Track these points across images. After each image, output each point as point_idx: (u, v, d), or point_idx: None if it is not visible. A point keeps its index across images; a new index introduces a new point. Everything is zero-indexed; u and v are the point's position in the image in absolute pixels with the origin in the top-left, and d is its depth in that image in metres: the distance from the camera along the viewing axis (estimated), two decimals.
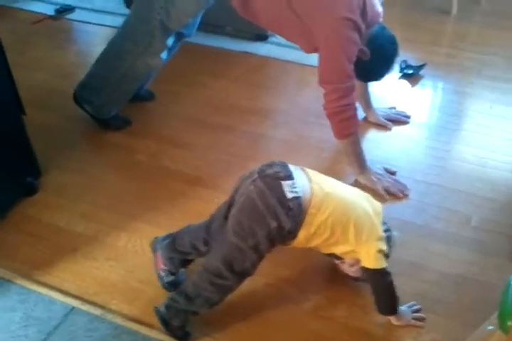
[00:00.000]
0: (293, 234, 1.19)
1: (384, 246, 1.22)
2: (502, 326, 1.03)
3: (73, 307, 1.31)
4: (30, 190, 1.65)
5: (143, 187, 1.72)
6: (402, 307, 1.29)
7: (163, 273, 1.35)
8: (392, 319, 1.28)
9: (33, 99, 1.99)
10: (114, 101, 1.92)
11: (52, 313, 1.30)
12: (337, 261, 1.33)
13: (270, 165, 1.21)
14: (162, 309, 1.21)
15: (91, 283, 1.39)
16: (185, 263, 1.35)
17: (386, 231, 1.28)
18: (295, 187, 1.16)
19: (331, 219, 1.19)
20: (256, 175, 1.19)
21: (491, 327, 1.11)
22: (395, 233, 1.32)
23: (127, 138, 1.92)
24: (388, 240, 1.27)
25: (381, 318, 1.29)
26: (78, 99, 1.91)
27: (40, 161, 1.70)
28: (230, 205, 1.24)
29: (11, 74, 1.51)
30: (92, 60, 1.90)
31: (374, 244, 1.21)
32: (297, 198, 1.15)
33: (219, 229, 1.24)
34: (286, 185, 1.16)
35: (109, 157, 1.87)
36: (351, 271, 1.31)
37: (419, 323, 1.28)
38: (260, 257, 1.19)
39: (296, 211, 1.15)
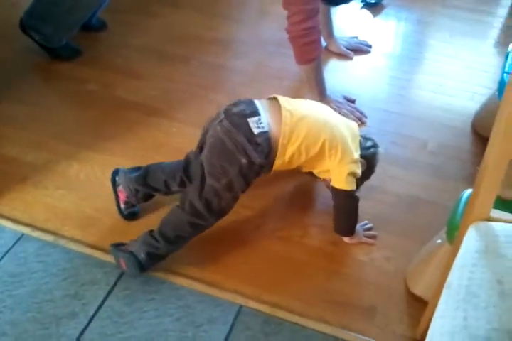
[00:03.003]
0: (266, 167, 1.20)
1: (357, 169, 1.22)
2: (449, 238, 1.06)
3: (23, 234, 1.29)
4: None
5: (96, 117, 1.66)
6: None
7: (123, 206, 1.33)
8: (345, 238, 1.30)
9: None
10: (64, 29, 1.83)
11: (1, 240, 1.28)
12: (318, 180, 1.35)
13: (236, 104, 1.20)
14: (142, 256, 1.17)
15: (42, 211, 1.36)
16: (148, 198, 1.33)
17: (371, 147, 1.30)
18: (261, 123, 1.16)
19: (304, 143, 1.18)
20: (222, 116, 1.18)
21: (439, 241, 1.15)
22: (380, 149, 1.33)
23: (78, 69, 1.84)
24: (374, 156, 1.30)
25: (335, 237, 1.31)
26: (25, 27, 1.81)
27: None
28: (201, 147, 1.23)
29: None
30: None
31: (347, 166, 1.21)
32: (264, 133, 1.15)
33: (195, 172, 1.22)
34: (251, 121, 1.16)
35: (60, 87, 1.79)
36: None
37: (370, 241, 1.31)
38: (235, 197, 1.20)
39: (264, 145, 1.15)
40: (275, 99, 1.24)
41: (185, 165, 1.27)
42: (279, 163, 1.20)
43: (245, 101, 1.21)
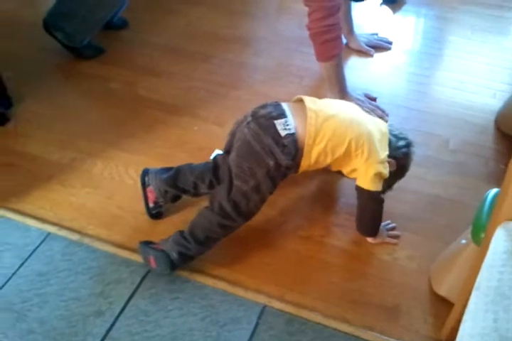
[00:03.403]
0: (292, 169, 1.20)
1: (384, 170, 1.21)
2: (475, 238, 1.05)
3: (49, 233, 1.31)
4: (2, 120, 1.61)
5: (118, 116, 1.67)
6: None
7: (152, 205, 1.34)
8: (369, 238, 1.30)
9: (1, 31, 1.92)
10: (87, 29, 1.84)
11: (28, 239, 1.29)
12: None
13: (263, 107, 1.22)
14: (174, 256, 1.18)
15: (68, 209, 1.37)
16: (176, 198, 1.34)
17: (404, 147, 1.28)
18: (288, 125, 1.16)
19: (330, 144, 1.18)
20: (250, 118, 1.19)
21: (464, 241, 1.14)
22: (414, 149, 1.31)
23: (101, 67, 1.86)
24: (405, 156, 1.29)
25: (357, 237, 1.31)
26: (49, 26, 1.82)
27: (12, 92, 1.65)
28: (228, 150, 1.25)
29: None
30: None
31: (373, 166, 1.20)
32: (291, 135, 1.16)
33: (224, 175, 1.23)
34: (278, 123, 1.16)
35: (83, 86, 1.81)
36: None
37: (394, 241, 1.30)
38: (263, 199, 1.20)
39: (291, 147, 1.16)
40: (301, 100, 1.24)
41: (214, 167, 1.27)
42: (305, 164, 1.21)
43: (272, 103, 1.22)
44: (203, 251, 1.22)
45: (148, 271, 1.23)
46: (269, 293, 1.20)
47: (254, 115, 1.19)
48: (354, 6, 1.92)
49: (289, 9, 2.20)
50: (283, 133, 1.15)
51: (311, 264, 1.27)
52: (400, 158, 1.27)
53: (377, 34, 2.05)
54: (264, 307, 1.17)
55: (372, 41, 1.99)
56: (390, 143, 1.25)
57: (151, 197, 1.33)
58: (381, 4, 2.22)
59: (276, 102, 1.23)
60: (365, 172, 1.21)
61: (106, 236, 1.31)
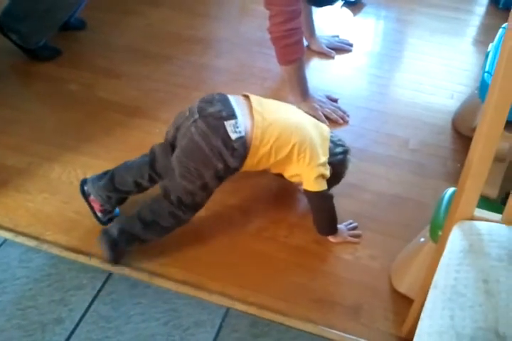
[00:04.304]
0: (238, 169, 1.19)
1: (325, 171, 1.23)
2: (433, 236, 1.07)
3: (6, 240, 1.27)
4: None
5: (77, 119, 1.64)
6: (340, 226, 1.31)
7: (100, 214, 1.30)
8: (330, 237, 1.31)
9: None
10: (43, 30, 1.80)
11: None
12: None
13: (210, 102, 1.17)
14: (113, 231, 1.18)
15: (24, 215, 1.34)
16: (122, 201, 1.31)
17: (340, 154, 1.29)
18: (237, 127, 1.14)
19: (275, 146, 1.18)
20: (197, 115, 1.15)
21: (422, 239, 1.16)
22: (350, 157, 1.33)
23: (58, 69, 1.82)
24: (340, 163, 1.29)
25: (319, 236, 1.32)
26: (3, 27, 1.77)
27: None
28: (171, 143, 1.21)
29: None
30: None
31: (315, 169, 1.21)
32: (241, 138, 1.14)
33: (164, 169, 1.22)
34: (229, 124, 1.13)
35: (39, 88, 1.76)
36: None
37: (355, 240, 1.31)
38: (209, 193, 1.20)
39: (241, 150, 1.15)
40: (247, 96, 1.24)
41: (151, 161, 1.24)
42: (249, 164, 1.20)
43: (220, 98, 1.19)
44: (145, 235, 1.19)
45: (109, 276, 1.21)
46: (232, 295, 1.19)
47: (202, 112, 1.15)
48: (315, 8, 1.93)
49: (251, 11, 2.20)
50: (233, 136, 1.13)
51: (274, 265, 1.27)
52: (335, 165, 1.27)
53: (338, 36, 2.07)
54: (228, 309, 1.16)
55: (333, 43, 2.01)
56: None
57: (96, 206, 1.29)
58: (341, 6, 2.25)
59: (224, 96, 1.20)
60: (308, 176, 1.22)
61: (64, 241, 1.28)
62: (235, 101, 1.19)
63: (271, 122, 1.19)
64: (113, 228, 1.19)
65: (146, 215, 1.18)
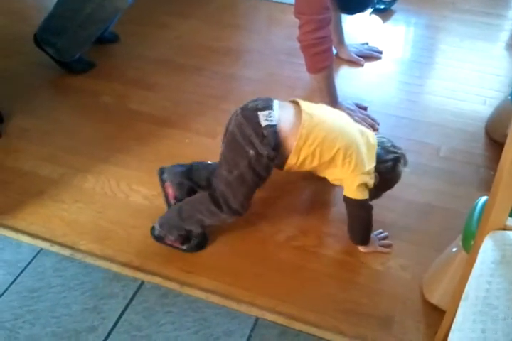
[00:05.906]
0: (276, 160, 1.20)
1: (370, 180, 1.22)
2: (465, 246, 1.05)
3: (41, 249, 1.30)
4: None
5: (110, 130, 1.68)
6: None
7: (173, 202, 1.35)
8: (361, 247, 1.30)
9: None
10: (78, 44, 1.85)
11: (20, 256, 1.29)
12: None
13: (254, 100, 1.23)
14: (156, 226, 1.28)
15: (59, 225, 1.37)
16: (192, 193, 1.35)
17: (390, 161, 1.26)
18: (270, 117, 1.17)
19: (319, 148, 1.19)
20: (239, 110, 1.21)
21: (455, 249, 1.14)
22: (401, 165, 1.28)
23: (92, 82, 1.86)
24: (389, 171, 1.26)
25: (350, 246, 1.31)
26: (39, 41, 1.83)
27: (3, 107, 1.66)
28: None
29: None
30: (52, 3, 1.80)
31: (359, 177, 1.21)
32: (271, 126, 1.16)
33: None
34: (262, 114, 1.17)
35: (74, 100, 1.81)
36: None
37: (386, 250, 1.30)
38: (248, 190, 1.22)
39: (270, 138, 1.16)
40: (296, 102, 1.26)
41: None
42: (292, 163, 1.21)
43: (264, 98, 1.24)
44: (184, 225, 1.26)
45: (141, 285, 1.23)
46: (261, 305, 1.20)
47: (244, 107, 1.22)
48: (344, 16, 1.93)
49: (278, 21, 2.21)
50: (263, 123, 1.16)
51: (303, 275, 1.27)
52: (383, 172, 1.25)
53: (367, 44, 2.06)
54: (257, 319, 1.17)
55: (363, 51, 2.00)
56: (377, 155, 1.25)
57: (171, 192, 1.34)
58: (371, 13, 2.24)
59: (268, 97, 1.24)
60: (351, 182, 1.21)
61: (98, 251, 1.31)
62: (278, 101, 1.23)
63: (319, 122, 1.20)
64: (156, 224, 1.28)
65: (183, 206, 1.26)
